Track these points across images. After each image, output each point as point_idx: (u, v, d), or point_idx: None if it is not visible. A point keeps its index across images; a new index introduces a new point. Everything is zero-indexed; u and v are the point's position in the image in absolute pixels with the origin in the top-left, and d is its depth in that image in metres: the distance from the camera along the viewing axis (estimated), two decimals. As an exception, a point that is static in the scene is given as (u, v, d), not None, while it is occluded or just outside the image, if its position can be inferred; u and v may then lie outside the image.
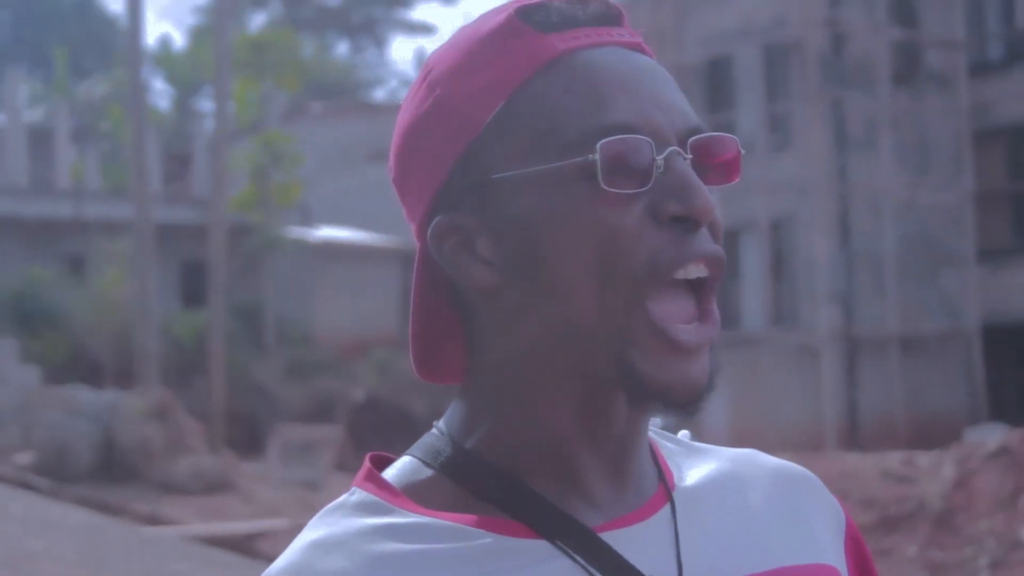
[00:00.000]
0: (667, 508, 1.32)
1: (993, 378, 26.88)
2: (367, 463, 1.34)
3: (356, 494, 1.30)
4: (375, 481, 1.31)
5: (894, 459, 13.70)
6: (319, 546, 1.25)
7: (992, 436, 14.34)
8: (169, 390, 21.71)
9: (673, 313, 1.24)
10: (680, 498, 1.34)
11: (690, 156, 1.26)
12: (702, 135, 1.28)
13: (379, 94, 67.01)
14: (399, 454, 1.39)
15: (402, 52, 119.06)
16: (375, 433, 30.63)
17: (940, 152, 27.73)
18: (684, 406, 1.24)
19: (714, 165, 1.29)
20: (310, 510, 18.30)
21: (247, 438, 28.39)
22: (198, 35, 61.93)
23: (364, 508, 1.28)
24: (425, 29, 78.64)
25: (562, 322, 1.24)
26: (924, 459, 13.47)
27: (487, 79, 1.28)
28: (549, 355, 1.26)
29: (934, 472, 12.74)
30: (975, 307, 27.02)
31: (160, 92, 64.00)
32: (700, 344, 1.24)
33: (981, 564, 11.38)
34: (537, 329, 1.26)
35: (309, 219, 36.66)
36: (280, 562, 1.26)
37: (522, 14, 1.29)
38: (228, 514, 17.38)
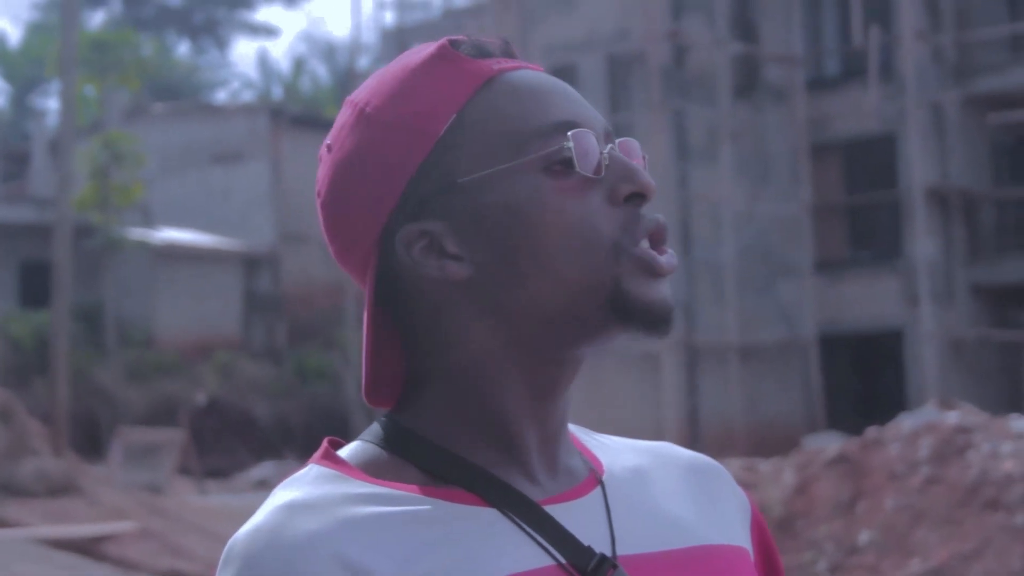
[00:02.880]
0: (598, 490, 1.46)
1: (830, 387, 27.29)
2: (324, 444, 1.45)
3: (314, 469, 1.40)
4: (331, 458, 1.42)
5: (735, 465, 13.89)
6: (287, 509, 1.34)
7: (829, 443, 14.61)
8: (8, 391, 21.36)
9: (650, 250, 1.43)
10: (608, 481, 1.49)
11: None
12: (620, 138, 1.48)
13: (221, 95, 66.38)
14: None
15: (244, 54, 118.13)
16: (217, 436, 30.42)
17: (778, 164, 28.14)
18: (660, 323, 1.41)
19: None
20: (154, 513, 18.18)
21: (88, 441, 28.04)
22: (36, 31, 60.89)
23: (324, 479, 1.38)
24: (267, 31, 78.02)
25: (547, 289, 1.40)
26: (765, 465, 13.68)
27: (434, 97, 1.43)
28: (528, 325, 1.42)
29: (775, 478, 12.95)
30: (812, 317, 27.39)
31: (-4, 89, 62.91)
32: (672, 268, 1.42)
33: (820, 568, 11.63)
34: (518, 303, 1.41)
35: (150, 220, 36.23)
36: (251, 524, 1.34)
37: (451, 44, 1.47)
38: (73, 517, 17.16)
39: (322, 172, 1.48)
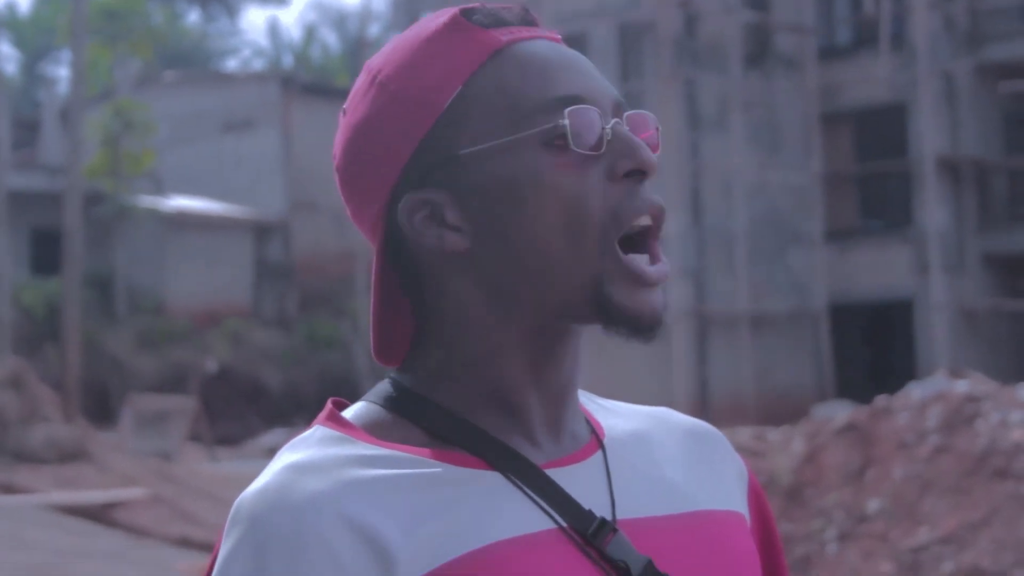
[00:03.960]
0: (599, 454, 1.48)
1: (840, 356, 27.30)
2: (328, 405, 1.46)
3: (319, 430, 1.41)
4: (336, 419, 1.43)
5: (745, 434, 13.91)
6: (294, 469, 1.35)
7: (839, 413, 14.63)
8: (20, 359, 21.42)
9: (637, 256, 1.42)
10: (609, 445, 1.50)
11: (626, 126, 1.45)
12: (631, 111, 1.47)
13: (232, 64, 66.31)
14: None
15: (255, 22, 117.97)
16: (228, 403, 30.49)
17: (790, 133, 28.12)
18: (648, 331, 1.42)
19: (640, 137, 1.47)
20: (165, 480, 18.26)
21: (99, 408, 28.11)
22: (45, 0, 60.84)
23: (329, 440, 1.39)
24: (278, -1, 77.81)
25: (536, 268, 1.40)
26: (774, 434, 13.70)
27: (442, 68, 1.44)
28: (519, 302, 1.43)
29: (784, 447, 12.98)
30: (823, 286, 27.40)
31: (7, 56, 62.89)
32: (661, 278, 1.42)
33: (829, 536, 11.66)
34: (509, 279, 1.42)
35: (161, 188, 36.25)
36: (258, 483, 1.36)
37: (464, 13, 1.47)
38: (83, 483, 17.24)
39: (338, 135, 1.51)
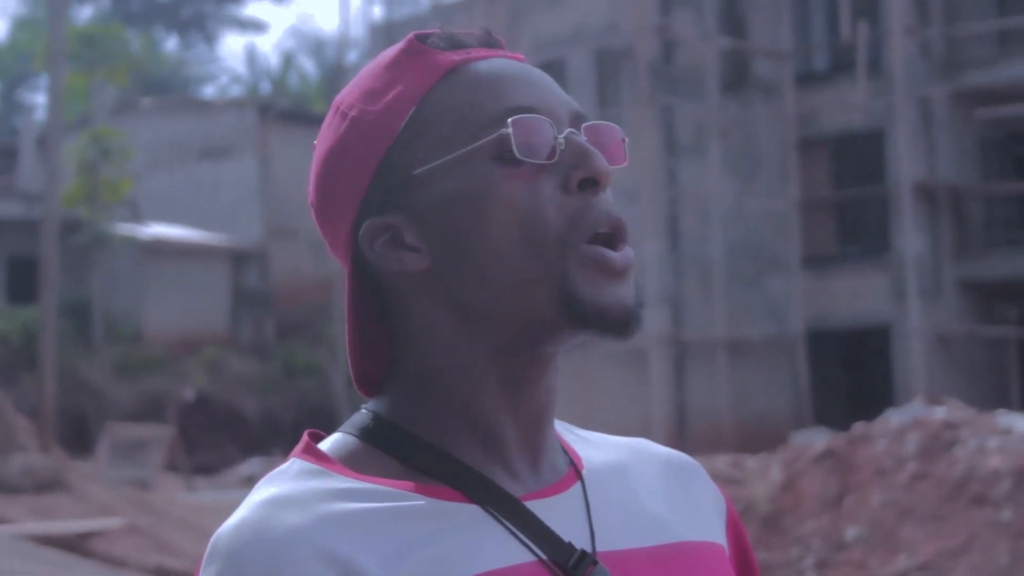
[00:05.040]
0: (578, 485, 1.46)
1: (817, 382, 27.35)
2: (305, 437, 1.45)
3: (296, 464, 1.40)
4: (312, 452, 1.42)
5: (723, 461, 13.92)
6: (271, 503, 1.34)
7: (817, 439, 14.65)
8: (-4, 387, 21.35)
9: (600, 247, 1.40)
10: (588, 476, 1.49)
11: (584, 137, 1.43)
12: (590, 121, 1.45)
13: (209, 90, 66.33)
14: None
15: (233, 49, 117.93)
16: (205, 432, 30.41)
17: (767, 160, 28.19)
18: (620, 326, 1.39)
19: (603, 151, 1.45)
20: (142, 509, 18.17)
21: (76, 436, 28.01)
22: (23, 26, 60.80)
23: (306, 474, 1.38)
24: (256, 26, 77.96)
25: (497, 282, 1.39)
26: (752, 461, 13.72)
27: (396, 92, 1.45)
28: (485, 320, 1.41)
29: (762, 474, 12.99)
30: (800, 312, 27.46)
31: (-17, 84, 62.81)
32: (627, 266, 1.39)
33: (807, 564, 11.66)
34: (472, 297, 1.41)
35: (138, 216, 36.21)
36: (234, 519, 1.35)
37: (419, 38, 1.48)
38: (60, 513, 17.15)
39: (311, 170, 1.51)
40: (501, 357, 1.42)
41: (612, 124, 1.47)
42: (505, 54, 1.49)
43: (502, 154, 1.39)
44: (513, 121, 1.39)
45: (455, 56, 1.46)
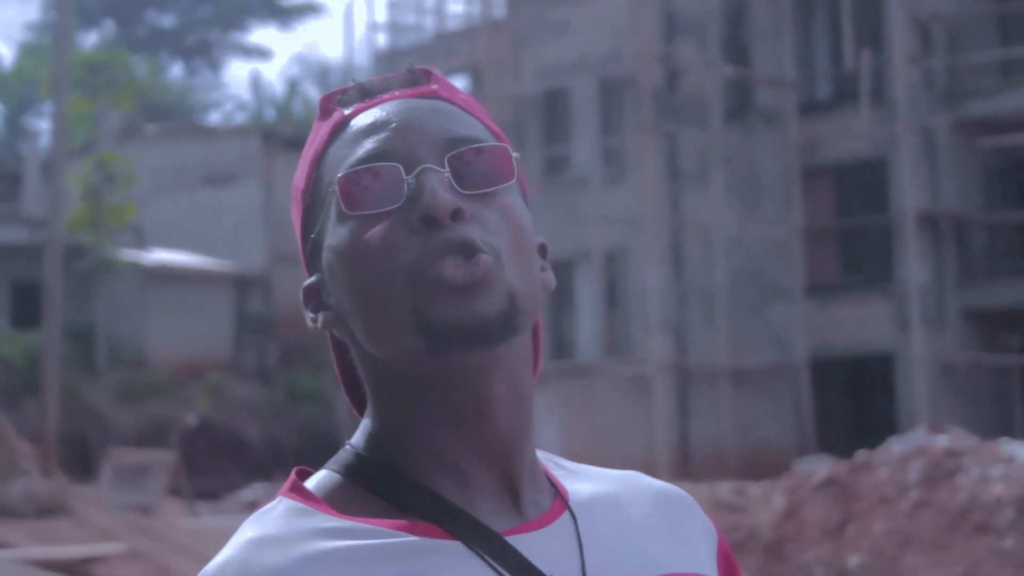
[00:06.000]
0: (564, 518, 1.48)
1: (820, 410, 27.31)
2: (292, 475, 1.48)
3: (282, 502, 1.43)
4: (299, 491, 1.45)
5: (725, 489, 13.90)
6: (256, 543, 1.38)
7: (820, 467, 14.63)
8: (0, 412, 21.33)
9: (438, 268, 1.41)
10: (575, 509, 1.50)
11: (447, 170, 1.44)
12: (459, 149, 1.45)
13: (214, 117, 66.41)
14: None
15: (237, 75, 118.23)
16: (208, 457, 30.37)
17: (770, 188, 28.20)
18: (479, 338, 1.39)
19: (475, 171, 1.46)
20: (144, 534, 18.16)
21: (78, 461, 27.98)
22: (28, 52, 60.91)
23: (291, 512, 1.41)
24: (261, 53, 77.99)
25: (372, 327, 1.43)
26: (755, 489, 13.70)
27: (305, 156, 1.52)
28: (382, 361, 1.45)
29: (765, 502, 12.98)
30: (803, 340, 27.44)
31: (-12, 110, 62.90)
32: (470, 279, 1.39)
33: (810, 591, 11.65)
34: (364, 343, 1.46)
35: (142, 241, 36.23)
36: (220, 558, 1.38)
37: (329, 96, 1.54)
38: (62, 538, 17.13)
39: None
40: (423, 392, 1.44)
41: (497, 143, 1.48)
42: (416, 91, 1.51)
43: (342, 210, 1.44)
44: (338, 179, 1.43)
45: (346, 113, 1.50)
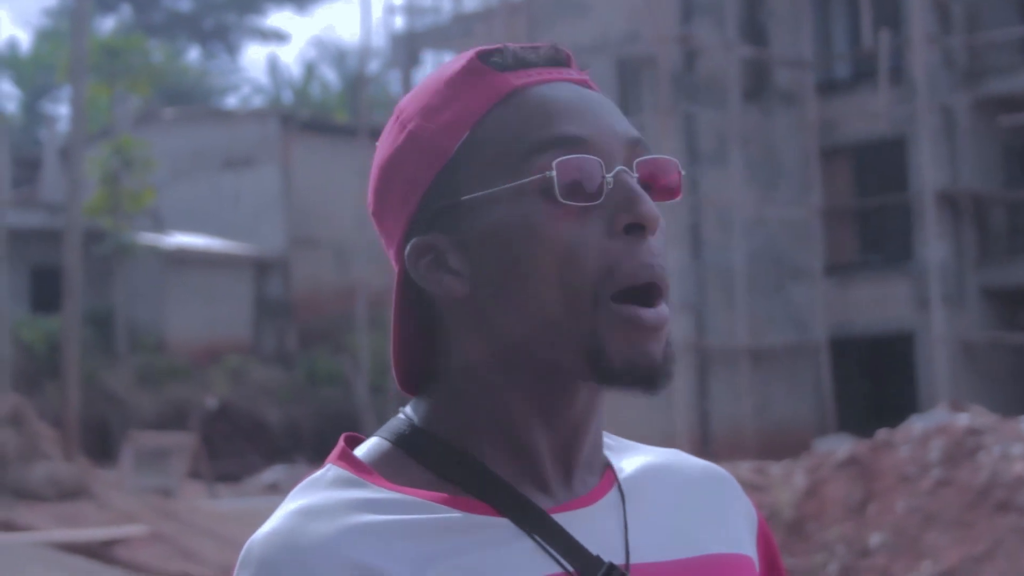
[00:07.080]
0: (612, 495, 1.47)
1: (840, 389, 27.30)
2: (341, 442, 1.46)
3: (332, 470, 1.41)
4: (348, 459, 1.43)
5: (746, 468, 13.89)
6: (303, 513, 1.36)
7: (840, 446, 14.62)
8: (19, 396, 21.37)
9: (632, 305, 1.39)
10: (623, 487, 1.49)
11: (636, 174, 1.42)
12: (646, 157, 1.43)
13: (231, 101, 66.45)
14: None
15: (255, 59, 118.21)
16: (228, 440, 30.47)
17: (789, 168, 28.16)
18: (646, 382, 1.39)
19: (657, 185, 1.44)
20: (165, 517, 18.21)
21: (99, 445, 28.08)
22: (46, 38, 60.99)
23: (340, 482, 1.39)
24: (278, 36, 78.17)
25: (529, 322, 1.39)
26: (776, 468, 13.69)
27: (453, 113, 1.44)
28: (516, 352, 1.41)
29: (786, 481, 12.96)
30: (822, 320, 27.41)
31: (7, 95, 63.03)
32: (659, 324, 1.38)
33: (831, 570, 11.64)
34: (504, 329, 1.41)
35: (161, 226, 36.30)
36: (267, 527, 1.37)
37: (481, 57, 1.46)
38: (84, 521, 17.19)
39: (371, 171, 1.53)
40: (533, 384, 1.43)
41: (669, 158, 1.45)
42: (570, 75, 1.47)
43: (547, 192, 1.38)
44: (558, 164, 1.38)
45: (514, 80, 1.44)
